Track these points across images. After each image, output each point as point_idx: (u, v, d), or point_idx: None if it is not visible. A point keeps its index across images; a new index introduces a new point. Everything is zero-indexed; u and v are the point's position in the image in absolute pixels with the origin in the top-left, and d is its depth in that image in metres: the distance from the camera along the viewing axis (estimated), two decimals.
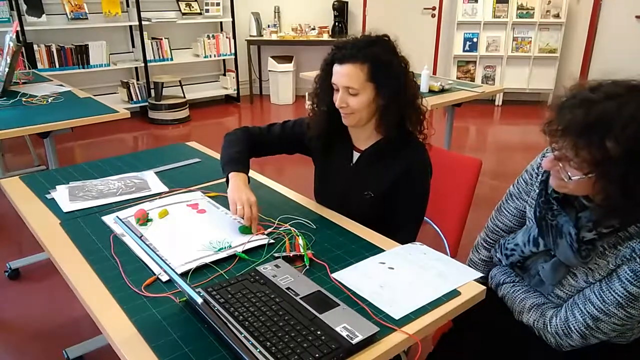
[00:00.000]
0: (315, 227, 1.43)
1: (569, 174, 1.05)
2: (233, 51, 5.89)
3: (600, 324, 1.12)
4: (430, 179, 1.55)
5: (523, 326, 1.27)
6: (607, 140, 0.96)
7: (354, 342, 0.94)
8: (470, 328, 1.31)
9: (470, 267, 1.51)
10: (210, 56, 5.76)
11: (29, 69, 3.77)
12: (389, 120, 1.45)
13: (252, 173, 1.81)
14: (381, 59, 1.39)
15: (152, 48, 5.31)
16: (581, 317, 1.15)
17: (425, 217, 1.92)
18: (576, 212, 1.16)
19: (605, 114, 0.98)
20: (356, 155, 1.57)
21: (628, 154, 0.95)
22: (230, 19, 5.78)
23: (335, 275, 1.20)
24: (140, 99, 5.34)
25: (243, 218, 1.37)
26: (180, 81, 5.37)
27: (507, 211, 1.37)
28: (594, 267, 1.15)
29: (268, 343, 0.94)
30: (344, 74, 1.40)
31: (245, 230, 1.37)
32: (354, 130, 1.56)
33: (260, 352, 0.92)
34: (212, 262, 1.24)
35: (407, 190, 1.51)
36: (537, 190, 1.26)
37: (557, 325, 1.19)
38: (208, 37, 5.68)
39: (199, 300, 0.90)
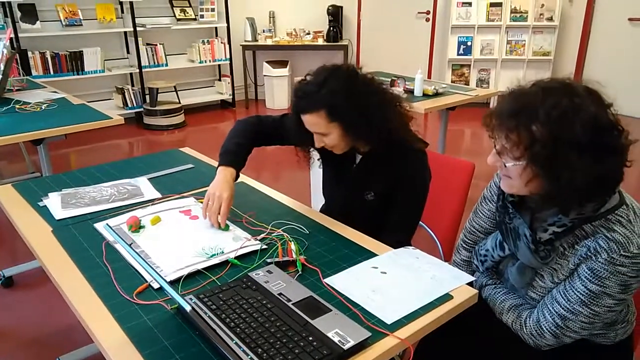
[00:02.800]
0: (307, 232, 1.43)
1: (505, 163, 1.10)
2: (228, 56, 5.90)
3: (569, 322, 1.14)
4: (428, 184, 1.57)
5: (506, 326, 1.28)
6: (533, 124, 1.02)
7: (345, 347, 0.94)
8: (454, 328, 1.32)
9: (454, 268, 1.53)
10: (205, 61, 5.77)
11: (23, 75, 3.77)
12: (370, 138, 1.49)
13: (246, 178, 1.82)
14: (334, 99, 1.39)
15: (147, 54, 5.31)
16: (550, 317, 1.17)
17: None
18: (531, 214, 1.19)
19: (532, 100, 1.04)
20: (359, 157, 1.60)
21: (552, 137, 1.00)
22: (225, 24, 5.78)
23: (327, 280, 1.20)
24: (135, 104, 5.33)
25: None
26: (175, 87, 5.37)
27: (482, 213, 1.41)
28: (557, 267, 1.18)
29: (259, 349, 0.94)
30: (308, 123, 1.45)
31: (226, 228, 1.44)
32: None
33: (251, 358, 0.91)
34: (204, 269, 1.24)
35: (401, 197, 1.54)
36: (487, 192, 1.32)
37: (530, 326, 1.21)
38: (203, 42, 5.69)
39: (188, 308, 0.89)
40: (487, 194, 1.41)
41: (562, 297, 1.15)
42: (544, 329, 1.18)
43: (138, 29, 5.14)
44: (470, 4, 5.80)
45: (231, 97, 6.06)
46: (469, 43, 5.90)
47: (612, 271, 1.07)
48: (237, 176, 1.55)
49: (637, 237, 1.06)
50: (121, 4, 5.14)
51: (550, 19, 5.72)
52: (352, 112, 1.40)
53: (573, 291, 1.13)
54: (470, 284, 1.20)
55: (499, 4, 5.76)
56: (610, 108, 1.05)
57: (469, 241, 1.45)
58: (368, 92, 1.45)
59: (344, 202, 1.66)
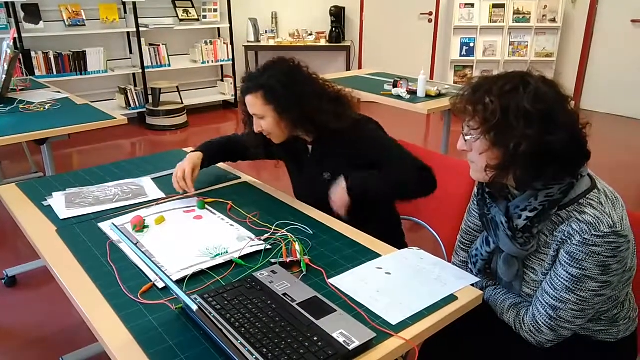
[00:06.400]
0: (312, 232, 1.43)
1: (466, 137, 1.16)
2: (231, 57, 5.90)
3: (560, 312, 1.15)
4: (376, 128, 1.64)
5: (509, 327, 1.28)
6: (488, 97, 1.10)
7: (350, 348, 0.94)
8: (459, 329, 1.32)
9: None
10: (208, 62, 5.77)
11: (27, 75, 3.78)
12: (303, 126, 1.59)
13: (248, 178, 1.83)
14: (271, 82, 1.53)
15: (150, 54, 5.32)
16: (543, 309, 1.18)
17: (422, 222, 1.94)
18: (507, 202, 1.22)
19: (490, 79, 1.14)
20: (310, 148, 1.70)
21: (502, 107, 1.07)
22: (228, 25, 5.79)
23: (331, 280, 1.20)
24: (137, 105, 5.34)
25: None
26: (177, 87, 5.38)
27: (474, 211, 1.42)
28: (543, 258, 1.20)
29: (264, 349, 0.94)
30: (248, 104, 1.59)
31: (200, 205, 1.58)
32: None
33: (256, 358, 0.91)
34: (208, 269, 1.24)
35: (373, 156, 1.60)
36: (476, 190, 1.36)
37: (528, 323, 1.21)
38: (205, 43, 5.69)
39: (194, 307, 0.89)
40: (476, 192, 1.42)
41: (550, 287, 1.17)
42: (540, 323, 1.18)
43: (141, 29, 5.15)
44: (473, 5, 5.80)
45: (233, 97, 6.06)
46: (471, 44, 5.90)
47: (587, 252, 1.09)
48: (205, 161, 1.72)
49: (607, 217, 1.09)
50: (124, 4, 5.14)
51: (553, 20, 5.72)
52: (286, 97, 1.52)
53: (557, 278, 1.15)
54: (474, 285, 1.20)
55: (502, 5, 5.75)
56: (568, 100, 1.12)
57: (466, 242, 1.46)
58: (305, 83, 1.58)
59: (311, 191, 1.73)
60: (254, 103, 1.55)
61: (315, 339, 0.96)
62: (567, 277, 1.13)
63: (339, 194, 1.55)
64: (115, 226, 1.17)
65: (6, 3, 4.49)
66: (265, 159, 1.83)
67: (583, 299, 1.13)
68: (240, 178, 1.84)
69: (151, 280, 1.19)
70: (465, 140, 1.17)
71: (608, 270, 1.10)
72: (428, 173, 1.54)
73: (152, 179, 1.81)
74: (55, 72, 4.83)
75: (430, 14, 6.03)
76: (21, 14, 4.59)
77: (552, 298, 1.16)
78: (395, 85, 3.24)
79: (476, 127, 1.12)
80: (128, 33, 5.30)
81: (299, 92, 1.54)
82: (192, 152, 1.73)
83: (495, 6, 5.78)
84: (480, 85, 1.14)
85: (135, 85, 5.43)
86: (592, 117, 1.22)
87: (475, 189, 1.39)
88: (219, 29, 5.90)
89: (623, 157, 4.47)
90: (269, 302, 1.08)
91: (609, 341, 1.25)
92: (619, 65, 5.57)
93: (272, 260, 1.27)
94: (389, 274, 1.23)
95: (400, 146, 1.61)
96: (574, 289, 1.12)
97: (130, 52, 5.40)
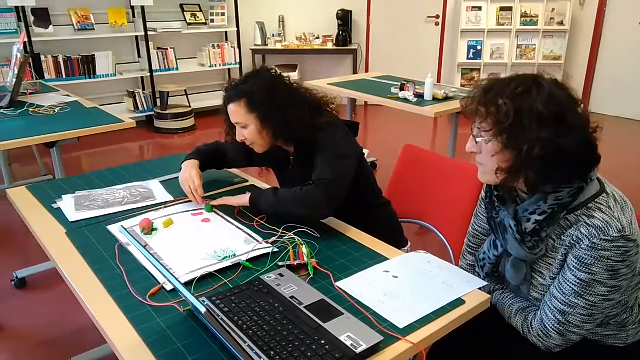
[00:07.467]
0: (319, 235, 1.43)
1: (477, 139, 1.15)
2: (238, 60, 5.93)
3: (569, 317, 1.15)
4: (339, 140, 1.58)
5: (516, 330, 1.28)
6: (501, 99, 1.09)
7: (358, 351, 0.94)
8: (466, 333, 1.32)
9: None
10: (216, 65, 5.80)
11: (36, 79, 3.80)
12: (283, 134, 1.60)
13: (256, 181, 1.84)
14: (254, 90, 1.55)
15: (158, 58, 5.35)
16: (551, 314, 1.17)
17: (429, 225, 1.93)
18: (515, 205, 1.22)
19: (503, 81, 1.13)
20: (292, 158, 1.72)
21: (516, 109, 1.07)
22: (235, 29, 5.82)
23: (339, 284, 1.20)
24: (146, 108, 5.37)
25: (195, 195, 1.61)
26: (185, 90, 5.41)
27: (482, 214, 1.42)
28: (551, 262, 1.19)
29: (272, 352, 0.94)
30: (230, 113, 1.60)
31: (208, 208, 1.58)
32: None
33: None
34: (216, 271, 1.25)
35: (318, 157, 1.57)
36: (483, 194, 1.35)
37: (536, 327, 1.21)
38: (213, 46, 5.72)
39: (202, 310, 0.90)
40: (484, 195, 1.41)
41: (558, 291, 1.16)
42: (549, 327, 1.18)
43: (149, 33, 5.18)
44: (480, 8, 5.79)
45: None
46: (478, 47, 5.89)
47: (596, 257, 1.09)
48: (200, 169, 1.71)
49: (616, 221, 1.08)
50: (133, 8, 5.19)
51: (561, 23, 5.70)
52: (269, 105, 1.54)
53: (566, 283, 1.14)
54: (481, 288, 1.19)
55: (509, 8, 5.74)
56: (579, 104, 1.11)
57: (473, 245, 1.45)
58: (287, 91, 1.60)
59: None
60: (237, 112, 1.56)
61: (323, 342, 0.96)
62: (575, 281, 1.12)
63: (239, 198, 1.58)
64: (124, 229, 1.18)
65: (16, 7, 4.54)
66: (247, 167, 1.86)
67: (592, 304, 1.12)
68: (247, 181, 1.85)
69: (160, 283, 1.20)
70: (476, 142, 1.16)
71: (617, 275, 1.09)
72: (326, 193, 1.45)
73: (161, 182, 1.82)
74: (64, 76, 4.87)
75: (437, 17, 6.03)
76: (31, 18, 4.63)
77: (560, 303, 1.15)
78: (402, 89, 3.24)
79: (488, 129, 1.12)
80: (136, 37, 5.34)
81: (281, 100, 1.55)
82: (187, 159, 1.73)
83: (502, 9, 5.77)
84: (491, 87, 1.13)
85: (144, 89, 5.47)
86: (601, 120, 1.22)
87: (483, 192, 1.38)
88: (226, 32, 5.93)
89: (632, 160, 4.44)
90: (276, 304, 1.08)
91: (618, 346, 1.25)
92: (628, 68, 5.54)
93: (280, 263, 1.28)
94: (396, 277, 1.23)
95: (335, 159, 1.53)
96: (582, 293, 1.12)
97: (139, 56, 5.44)
